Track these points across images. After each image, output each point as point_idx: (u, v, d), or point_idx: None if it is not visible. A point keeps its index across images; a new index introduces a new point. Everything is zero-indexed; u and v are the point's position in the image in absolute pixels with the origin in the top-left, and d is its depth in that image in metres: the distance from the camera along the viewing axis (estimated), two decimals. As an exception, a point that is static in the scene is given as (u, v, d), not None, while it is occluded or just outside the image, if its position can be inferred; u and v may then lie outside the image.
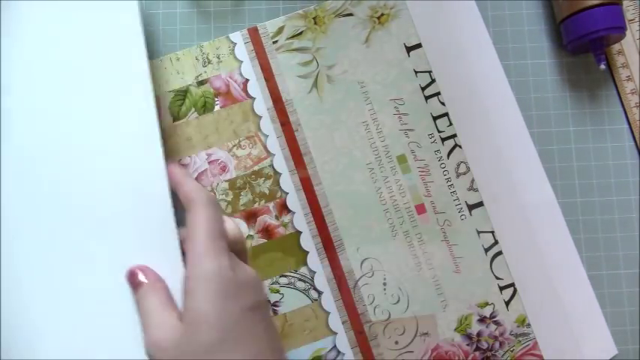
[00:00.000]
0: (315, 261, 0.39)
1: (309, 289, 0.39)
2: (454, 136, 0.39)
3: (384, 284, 0.39)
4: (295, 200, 0.39)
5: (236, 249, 0.31)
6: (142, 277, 0.31)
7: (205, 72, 0.40)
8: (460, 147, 0.39)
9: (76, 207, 0.39)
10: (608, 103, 0.41)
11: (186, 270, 0.29)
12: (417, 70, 0.40)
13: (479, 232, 0.39)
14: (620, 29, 0.38)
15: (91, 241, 0.38)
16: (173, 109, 0.40)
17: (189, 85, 0.40)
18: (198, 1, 0.43)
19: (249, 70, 0.40)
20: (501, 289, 0.38)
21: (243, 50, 0.40)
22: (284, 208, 0.39)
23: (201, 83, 0.40)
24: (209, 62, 0.41)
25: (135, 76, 0.39)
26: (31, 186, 0.39)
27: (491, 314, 0.38)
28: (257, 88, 0.40)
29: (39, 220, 0.39)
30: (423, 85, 0.40)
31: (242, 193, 0.39)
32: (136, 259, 0.37)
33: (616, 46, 0.41)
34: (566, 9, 0.39)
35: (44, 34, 0.40)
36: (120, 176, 0.38)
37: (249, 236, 0.39)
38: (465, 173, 0.39)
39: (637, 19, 0.42)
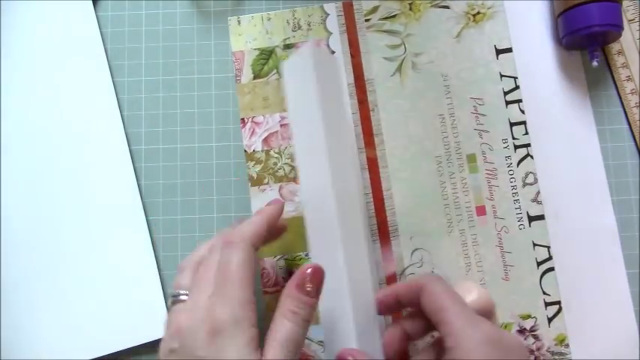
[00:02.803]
0: (367, 241, 0.39)
1: (356, 267, 0.39)
2: (528, 145, 0.39)
3: (431, 277, 0.39)
4: (358, 178, 0.39)
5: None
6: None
7: (294, 36, 0.41)
8: (532, 157, 0.39)
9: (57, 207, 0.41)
10: (608, 103, 0.41)
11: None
12: (503, 73, 0.40)
13: (535, 245, 0.39)
14: (616, 27, 0.38)
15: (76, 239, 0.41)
16: (255, 67, 0.41)
17: (276, 46, 0.41)
18: (199, 1, 0.43)
19: (337, 43, 0.41)
20: (547, 304, 0.38)
21: (334, 22, 0.41)
22: (346, 183, 0.39)
23: (287, 47, 0.41)
24: (299, 28, 0.41)
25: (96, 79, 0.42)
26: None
27: (531, 327, 0.38)
28: (341, 62, 0.40)
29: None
30: (506, 89, 0.40)
31: (308, 162, 0.40)
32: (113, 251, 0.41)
33: (616, 46, 0.41)
34: (563, 3, 0.39)
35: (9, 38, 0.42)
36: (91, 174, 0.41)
37: (307, 205, 0.39)
38: (531, 184, 0.39)
39: (637, 19, 0.41)
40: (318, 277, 0.29)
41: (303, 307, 0.28)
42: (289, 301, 0.28)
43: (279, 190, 0.39)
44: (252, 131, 0.40)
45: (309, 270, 0.29)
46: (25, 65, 0.42)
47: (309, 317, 0.28)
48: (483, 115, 0.40)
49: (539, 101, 0.40)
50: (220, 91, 0.42)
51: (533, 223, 0.39)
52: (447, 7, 0.41)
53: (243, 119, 0.40)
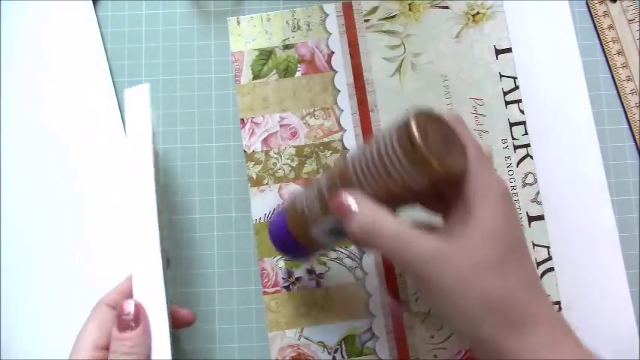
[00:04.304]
0: (367, 242, 0.39)
1: (355, 267, 0.39)
2: (527, 145, 0.39)
3: (431, 278, 0.39)
4: (358, 179, 0.39)
5: None
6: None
7: (293, 37, 0.41)
8: (531, 157, 0.39)
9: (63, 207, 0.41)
10: (608, 103, 0.41)
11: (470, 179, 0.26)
12: (502, 74, 0.40)
13: (534, 245, 0.39)
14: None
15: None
16: (255, 68, 0.41)
17: (275, 46, 0.41)
18: (199, 1, 0.43)
19: (337, 43, 0.41)
20: (546, 305, 0.38)
21: (334, 23, 0.41)
22: (346, 184, 0.39)
23: (287, 47, 0.41)
24: (298, 28, 0.41)
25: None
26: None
27: (531, 328, 0.38)
28: (341, 62, 0.40)
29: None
30: (505, 89, 0.40)
31: (307, 162, 0.40)
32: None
33: (616, 46, 0.41)
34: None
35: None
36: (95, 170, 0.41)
37: (307, 205, 0.39)
38: (531, 184, 0.39)
39: (637, 20, 0.41)
40: (130, 309, 0.31)
41: (130, 344, 0.30)
42: (118, 345, 0.30)
43: (279, 191, 0.39)
44: (252, 132, 0.40)
45: (123, 307, 0.31)
46: (25, 65, 0.42)
47: (143, 345, 0.30)
48: (483, 115, 0.40)
49: (539, 101, 0.40)
50: (220, 91, 0.42)
51: (532, 224, 0.39)
52: (446, 7, 0.41)
53: (242, 120, 0.40)
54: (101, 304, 0.33)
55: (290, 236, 0.31)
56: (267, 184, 0.40)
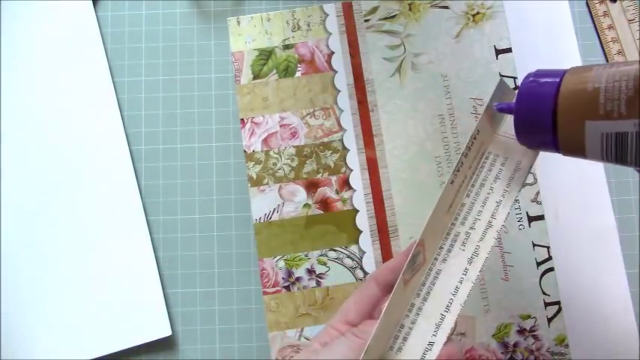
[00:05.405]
0: (367, 242, 0.39)
1: (356, 267, 0.39)
2: (527, 145, 0.39)
3: (431, 278, 0.39)
4: (358, 178, 0.39)
5: None
6: None
7: (293, 37, 0.41)
8: (531, 157, 0.39)
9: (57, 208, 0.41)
10: None
11: None
12: (502, 74, 0.40)
13: (534, 245, 0.39)
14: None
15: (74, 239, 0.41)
16: (255, 68, 0.41)
17: (275, 47, 0.41)
18: (199, 1, 0.43)
19: (337, 43, 0.41)
20: (546, 305, 0.38)
21: (334, 23, 0.41)
22: (346, 184, 0.39)
23: (287, 47, 0.41)
24: (298, 28, 0.41)
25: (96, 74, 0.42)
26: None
27: (531, 327, 0.38)
28: (341, 62, 0.40)
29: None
30: (505, 89, 0.40)
31: (307, 162, 0.40)
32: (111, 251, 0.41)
33: (616, 46, 0.41)
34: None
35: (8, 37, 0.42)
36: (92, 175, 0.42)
37: (307, 205, 0.39)
38: (531, 184, 0.39)
39: (637, 19, 0.41)
40: None
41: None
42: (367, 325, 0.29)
43: (279, 191, 0.39)
44: (252, 132, 0.40)
45: None
46: (25, 65, 0.42)
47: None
48: (483, 115, 0.40)
49: (539, 101, 0.40)
50: (220, 91, 0.42)
51: (532, 224, 0.39)
52: (446, 7, 0.41)
53: (242, 120, 0.40)
54: (371, 279, 0.31)
55: (550, 114, 0.23)
56: (267, 184, 0.40)
